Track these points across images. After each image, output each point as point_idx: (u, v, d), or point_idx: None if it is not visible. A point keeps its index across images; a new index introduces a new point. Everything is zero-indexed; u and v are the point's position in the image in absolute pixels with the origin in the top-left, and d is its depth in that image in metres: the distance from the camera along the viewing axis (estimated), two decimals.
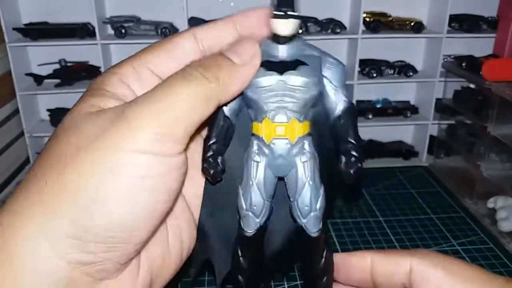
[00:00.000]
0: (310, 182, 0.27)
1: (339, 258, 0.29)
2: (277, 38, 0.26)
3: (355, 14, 0.95)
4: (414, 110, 1.06)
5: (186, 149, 0.25)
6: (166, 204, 0.25)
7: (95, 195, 0.23)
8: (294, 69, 0.25)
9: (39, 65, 0.98)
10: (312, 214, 0.27)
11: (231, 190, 0.29)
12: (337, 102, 0.27)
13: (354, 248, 0.74)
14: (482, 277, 0.24)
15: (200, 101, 0.23)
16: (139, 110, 0.23)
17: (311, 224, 0.28)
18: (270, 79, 0.25)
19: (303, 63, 0.26)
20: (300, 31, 0.26)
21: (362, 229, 0.78)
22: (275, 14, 0.26)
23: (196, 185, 0.31)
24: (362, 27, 0.94)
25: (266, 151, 0.27)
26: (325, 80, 0.27)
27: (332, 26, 0.97)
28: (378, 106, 1.05)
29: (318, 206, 0.27)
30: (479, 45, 0.98)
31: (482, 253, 0.72)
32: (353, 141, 0.27)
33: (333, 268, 0.29)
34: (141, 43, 0.96)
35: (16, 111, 0.96)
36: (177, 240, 0.31)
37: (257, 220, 0.28)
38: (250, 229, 0.28)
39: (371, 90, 1.05)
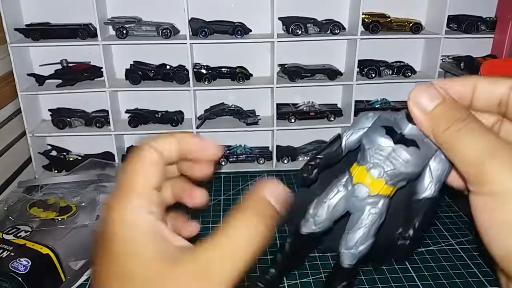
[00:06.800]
0: (365, 230, 0.32)
1: (442, 84, 0.29)
2: (411, 118, 0.31)
3: (354, 15, 0.96)
4: None
5: None
6: None
7: None
8: (407, 145, 0.31)
9: (40, 65, 0.98)
10: (352, 250, 0.33)
11: (310, 197, 0.35)
12: (426, 189, 0.32)
13: None
14: None
15: (260, 245, 0.27)
16: (220, 265, 0.25)
17: (346, 257, 0.33)
18: (385, 142, 0.31)
19: (416, 145, 0.31)
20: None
21: None
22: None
23: None
24: (361, 28, 0.94)
25: (349, 187, 0.33)
26: (428, 168, 0.32)
27: (331, 27, 0.97)
28: (377, 106, 1.05)
29: (360, 248, 0.33)
30: (477, 45, 0.99)
31: (480, 252, 0.73)
32: (415, 225, 0.32)
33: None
34: (142, 44, 0.97)
35: (18, 111, 0.97)
36: None
37: (313, 227, 0.34)
38: (305, 230, 0.34)
39: (370, 91, 1.06)
